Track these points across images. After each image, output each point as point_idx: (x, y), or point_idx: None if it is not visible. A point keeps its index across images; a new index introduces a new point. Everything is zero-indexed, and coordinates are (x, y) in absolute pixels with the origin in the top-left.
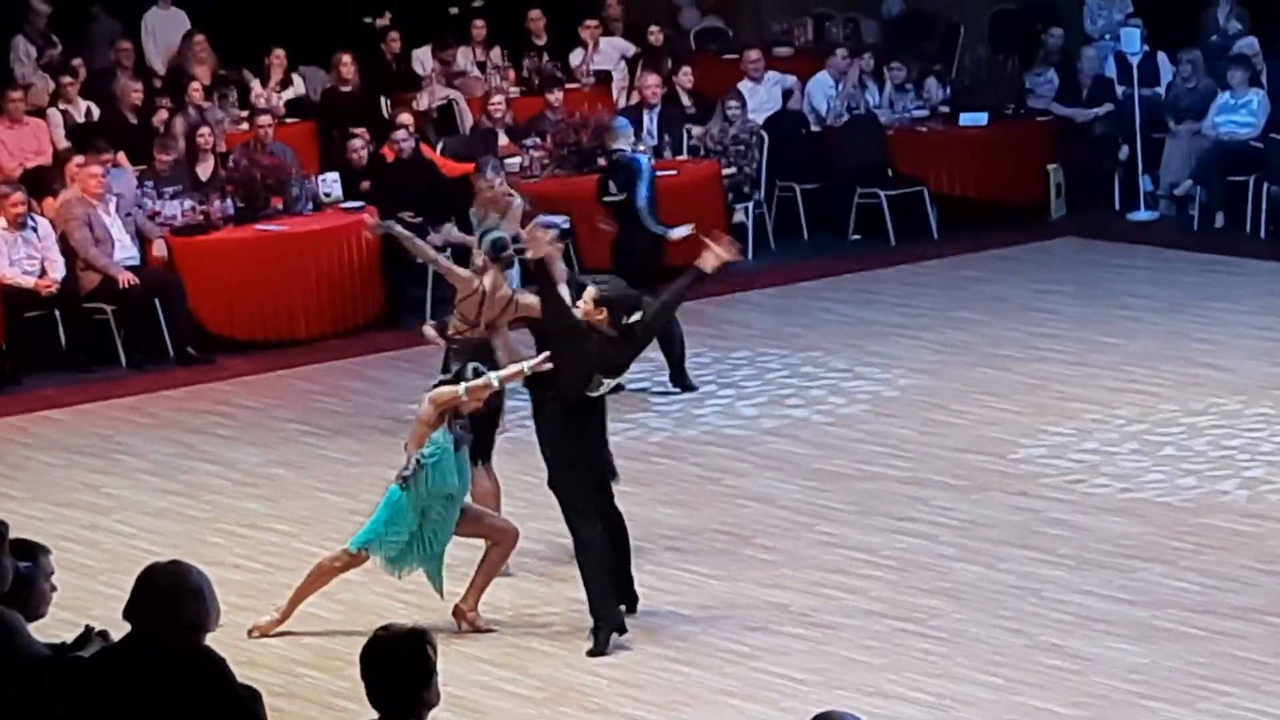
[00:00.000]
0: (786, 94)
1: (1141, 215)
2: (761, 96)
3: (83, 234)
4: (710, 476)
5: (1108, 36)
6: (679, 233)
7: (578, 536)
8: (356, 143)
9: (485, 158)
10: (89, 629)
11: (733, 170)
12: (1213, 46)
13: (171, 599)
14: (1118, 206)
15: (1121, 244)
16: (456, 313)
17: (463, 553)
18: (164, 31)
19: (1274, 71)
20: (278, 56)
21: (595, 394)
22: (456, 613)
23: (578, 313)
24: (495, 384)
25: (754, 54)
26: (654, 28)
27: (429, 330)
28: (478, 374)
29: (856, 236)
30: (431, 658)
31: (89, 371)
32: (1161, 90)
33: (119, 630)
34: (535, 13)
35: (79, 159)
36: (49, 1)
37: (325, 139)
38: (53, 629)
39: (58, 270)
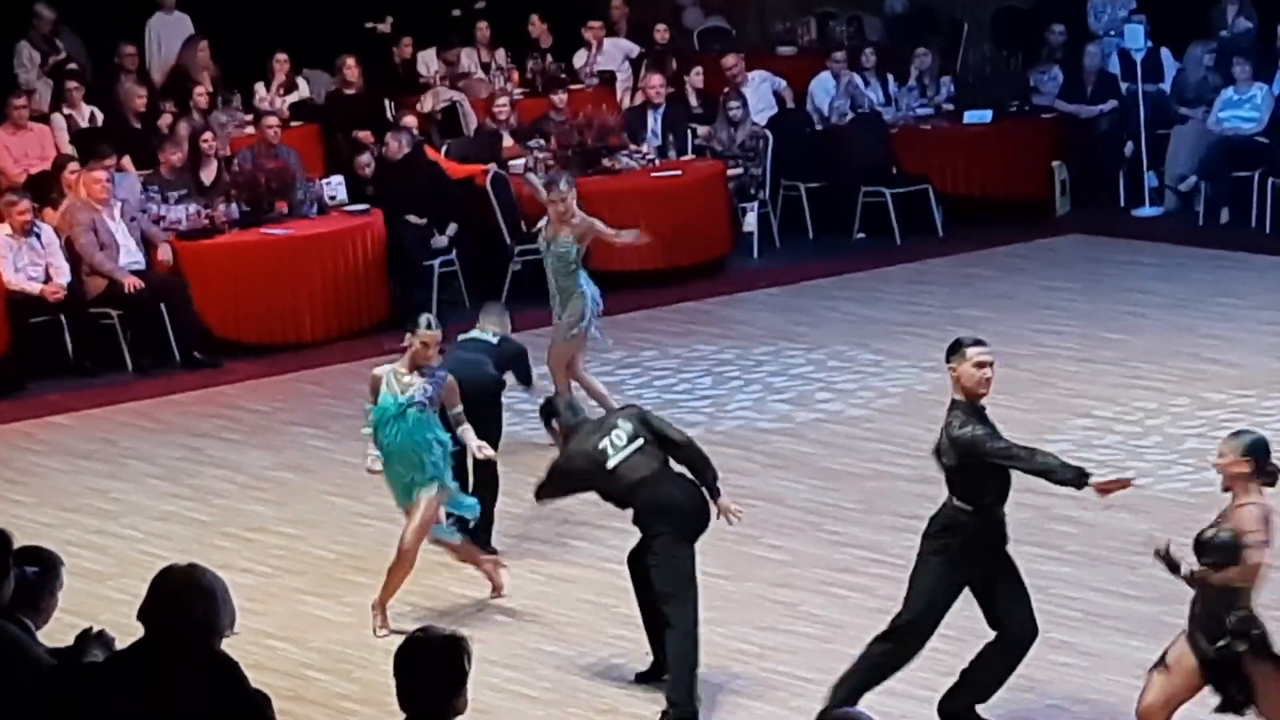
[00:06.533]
0: (778, 94)
1: (1147, 211)
2: (752, 98)
3: (87, 239)
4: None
5: (1111, 33)
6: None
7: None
8: (364, 157)
9: (559, 172)
10: (87, 631)
11: (739, 171)
12: (1221, 42)
13: (182, 599)
14: (1123, 203)
15: (1127, 240)
16: None
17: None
18: (169, 36)
19: None
20: (280, 60)
21: None
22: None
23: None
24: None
25: (731, 59)
26: (660, 26)
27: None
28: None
29: (862, 235)
30: (466, 665)
31: (95, 376)
32: (1165, 86)
33: (123, 633)
34: (535, 18)
35: (74, 166)
36: (53, 7)
37: (329, 142)
38: (60, 634)
39: (63, 276)
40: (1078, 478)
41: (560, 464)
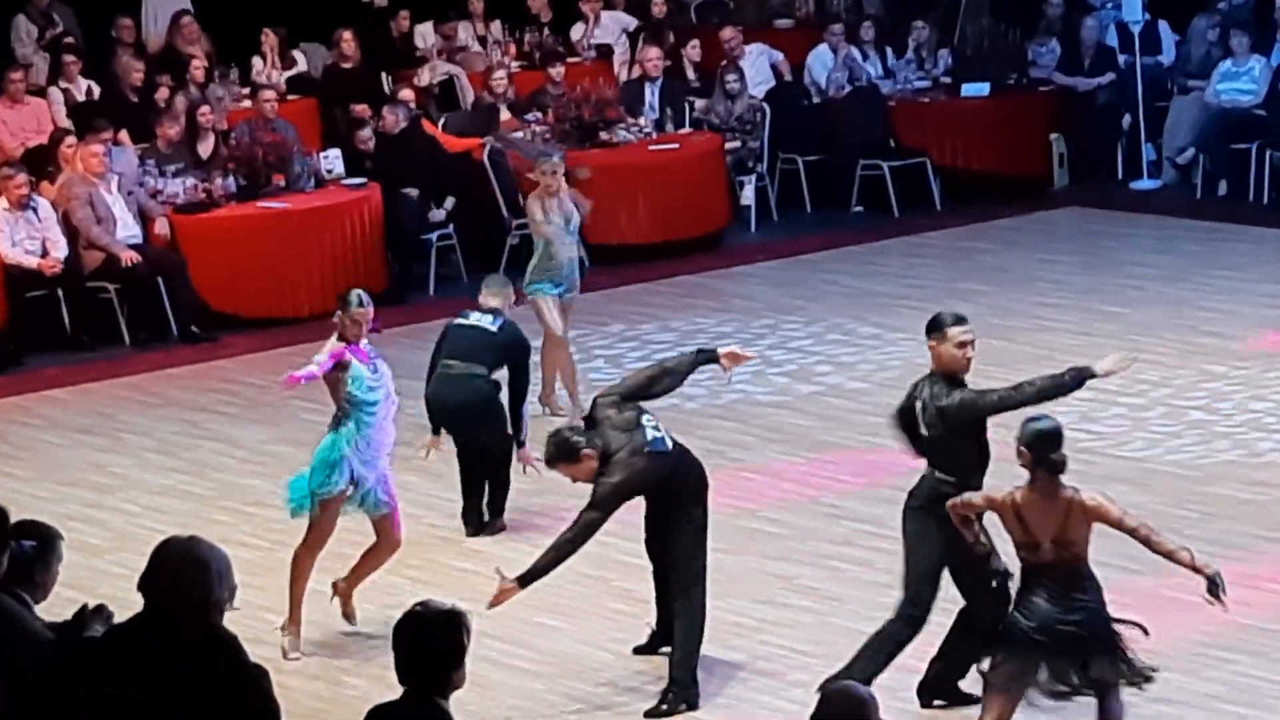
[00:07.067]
0: (776, 67)
1: (1144, 184)
2: (750, 71)
3: (84, 213)
4: (715, 450)
5: (1109, 5)
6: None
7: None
8: (365, 131)
9: (550, 148)
10: (85, 606)
11: (736, 144)
12: (1219, 14)
13: (177, 571)
14: (1120, 176)
15: (1125, 213)
16: None
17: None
18: (165, 10)
19: None
20: (268, 35)
21: None
22: (335, 587)
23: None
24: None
25: (729, 32)
26: (656, 0)
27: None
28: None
29: (859, 208)
30: (465, 639)
31: (92, 351)
32: (1163, 58)
33: (121, 607)
34: None
35: (70, 140)
36: None
37: (327, 115)
38: (58, 608)
39: (60, 250)
40: (1078, 376)
41: (622, 481)
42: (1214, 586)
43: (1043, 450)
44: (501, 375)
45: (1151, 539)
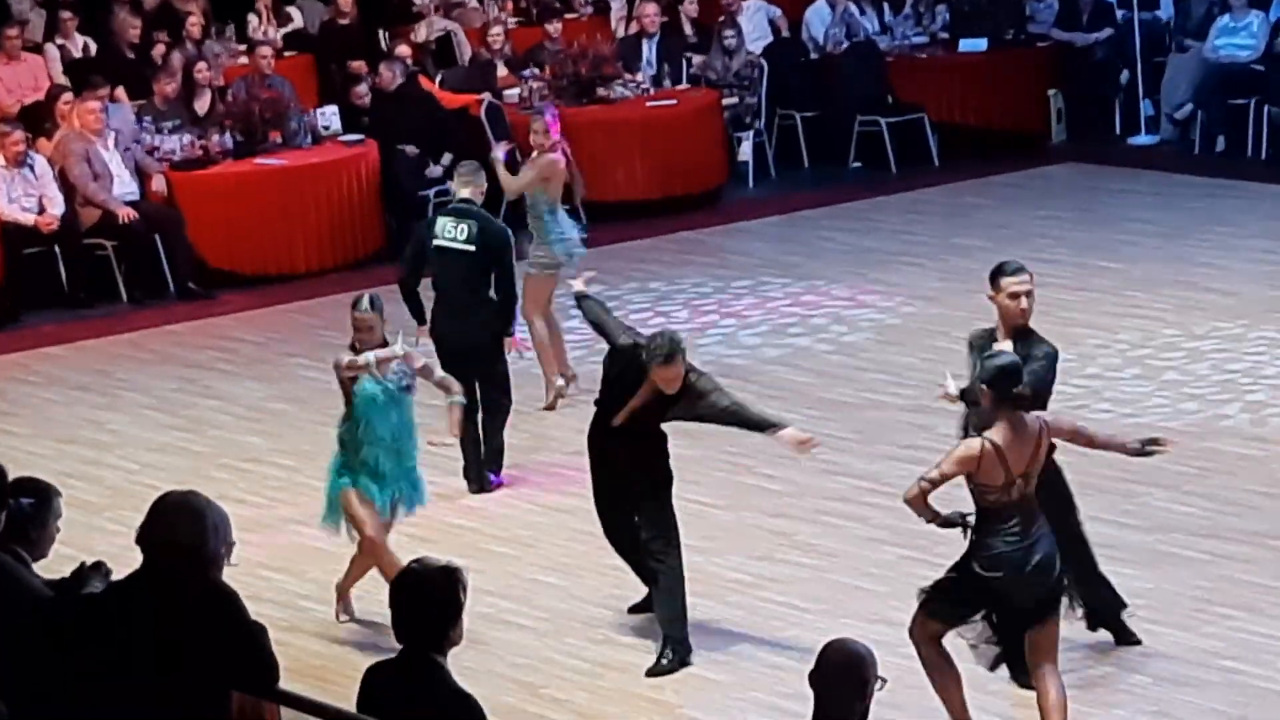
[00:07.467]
0: (774, 23)
1: (1142, 140)
2: (747, 27)
3: (81, 169)
4: None
5: None
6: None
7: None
8: (361, 88)
9: (545, 104)
10: (84, 564)
11: (734, 100)
12: None
13: (173, 521)
14: (1118, 131)
15: (1122, 169)
16: None
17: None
18: None
19: None
20: None
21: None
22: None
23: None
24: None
25: None
26: None
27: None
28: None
29: (857, 164)
30: (461, 596)
31: (90, 308)
32: (1161, 14)
33: (118, 564)
34: None
35: (67, 97)
36: None
37: (323, 72)
38: (56, 566)
39: (57, 207)
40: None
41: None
42: (1147, 446)
43: (1005, 386)
44: None
45: (1095, 438)
